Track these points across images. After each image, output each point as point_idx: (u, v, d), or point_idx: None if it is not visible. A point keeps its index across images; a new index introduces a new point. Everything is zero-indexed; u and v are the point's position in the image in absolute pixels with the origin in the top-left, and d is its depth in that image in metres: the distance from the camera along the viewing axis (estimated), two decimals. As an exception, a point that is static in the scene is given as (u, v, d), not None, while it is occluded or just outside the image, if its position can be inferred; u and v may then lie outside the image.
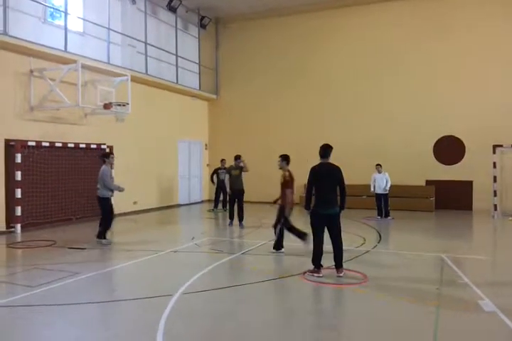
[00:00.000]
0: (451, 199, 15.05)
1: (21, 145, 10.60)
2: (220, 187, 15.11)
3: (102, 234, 9.27)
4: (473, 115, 14.85)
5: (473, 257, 8.15)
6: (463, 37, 15.07)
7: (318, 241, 6.70)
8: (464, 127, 14.98)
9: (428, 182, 15.42)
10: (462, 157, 15.03)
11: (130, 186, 13.94)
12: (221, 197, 15.16)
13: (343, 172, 6.76)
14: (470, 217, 13.86)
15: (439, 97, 15.31)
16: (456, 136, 15.07)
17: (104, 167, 9.27)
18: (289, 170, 8.31)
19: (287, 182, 8.21)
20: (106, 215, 9.34)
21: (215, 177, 15.32)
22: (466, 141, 14.97)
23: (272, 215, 13.47)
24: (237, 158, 12.02)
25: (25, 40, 10.55)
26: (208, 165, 18.53)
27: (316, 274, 6.56)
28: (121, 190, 9.46)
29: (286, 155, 8.41)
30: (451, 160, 15.15)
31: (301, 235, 8.25)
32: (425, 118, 15.43)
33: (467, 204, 14.99)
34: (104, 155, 9.55)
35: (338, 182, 6.72)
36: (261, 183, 16.47)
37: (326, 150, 6.83)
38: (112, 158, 9.58)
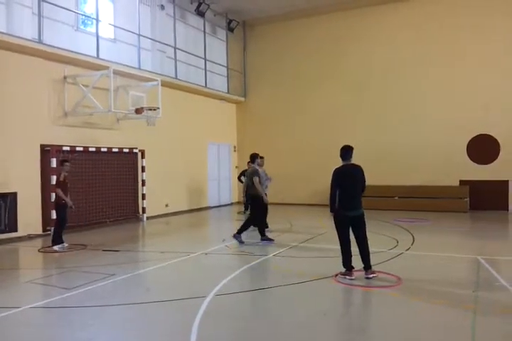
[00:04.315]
0: (486, 199, 14.66)
1: (56, 150, 10.84)
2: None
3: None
4: (507, 113, 14.44)
5: (510, 259, 7.94)
6: (499, 35, 14.62)
7: (346, 244, 6.61)
8: (498, 125, 14.58)
9: (462, 183, 15.06)
10: (497, 156, 14.63)
11: (161, 189, 14.23)
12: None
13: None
14: (506, 218, 13.47)
15: (472, 96, 14.94)
16: (490, 134, 14.69)
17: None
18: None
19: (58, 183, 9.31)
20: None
21: (242, 178, 15.38)
22: (500, 139, 14.57)
23: (302, 217, 13.55)
24: None
25: (59, 48, 10.82)
26: (236, 167, 18.60)
27: (348, 276, 6.49)
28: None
29: (62, 159, 9.69)
30: (485, 159, 14.76)
31: (58, 239, 9.22)
32: (458, 118, 15.03)
33: (503, 205, 14.56)
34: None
35: (362, 182, 6.66)
36: (289, 185, 16.68)
37: (347, 151, 6.69)
38: (262, 160, 10.50)
